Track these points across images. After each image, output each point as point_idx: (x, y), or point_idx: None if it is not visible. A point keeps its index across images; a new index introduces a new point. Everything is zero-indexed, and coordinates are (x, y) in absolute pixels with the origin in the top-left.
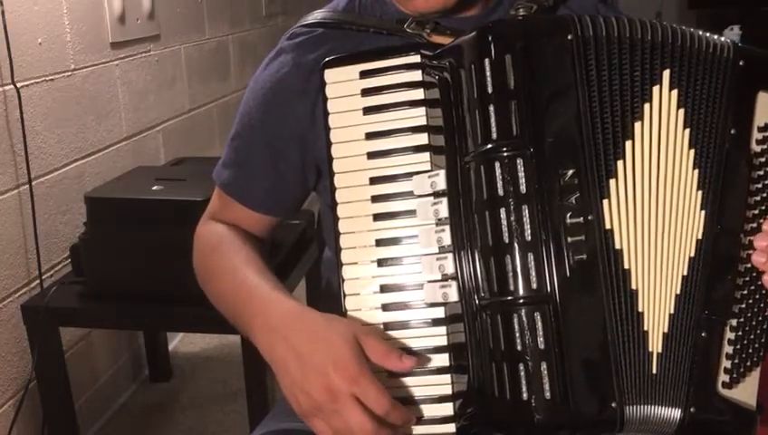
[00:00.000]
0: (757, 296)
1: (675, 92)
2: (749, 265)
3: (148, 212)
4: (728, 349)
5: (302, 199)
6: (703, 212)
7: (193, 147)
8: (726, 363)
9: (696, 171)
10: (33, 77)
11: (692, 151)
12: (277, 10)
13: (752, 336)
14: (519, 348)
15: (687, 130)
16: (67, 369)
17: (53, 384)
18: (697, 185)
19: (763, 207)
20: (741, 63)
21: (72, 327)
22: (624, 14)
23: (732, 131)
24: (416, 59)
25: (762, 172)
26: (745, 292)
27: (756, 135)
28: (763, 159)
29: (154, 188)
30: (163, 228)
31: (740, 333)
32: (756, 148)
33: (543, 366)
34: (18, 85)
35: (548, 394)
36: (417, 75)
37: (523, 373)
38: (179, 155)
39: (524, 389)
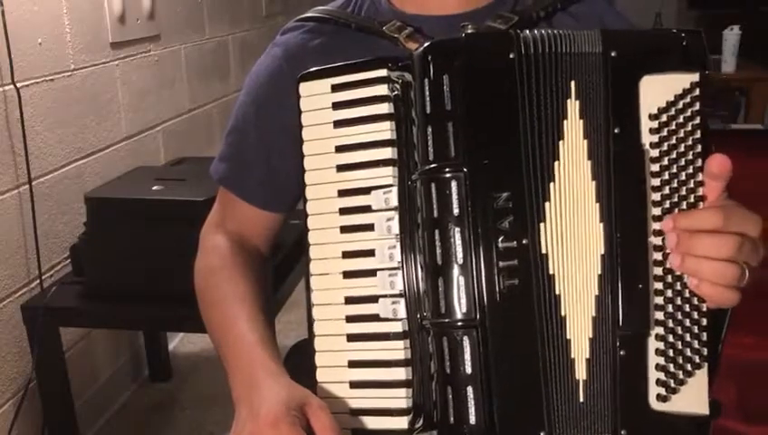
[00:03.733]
0: (685, 296)
1: (578, 103)
2: (667, 267)
3: (148, 212)
4: (658, 360)
5: (299, 194)
6: (601, 225)
7: (193, 147)
8: (659, 375)
9: (594, 183)
10: (33, 77)
11: (590, 163)
12: (277, 10)
13: (686, 339)
14: (448, 371)
15: (586, 142)
16: (67, 369)
17: (53, 384)
18: (595, 197)
19: (675, 199)
20: (613, 54)
21: (72, 327)
22: (631, 22)
23: (615, 130)
24: (382, 73)
25: (665, 162)
26: (669, 294)
27: (650, 124)
28: (663, 148)
29: (154, 188)
30: (163, 228)
31: (669, 340)
32: (652, 138)
33: (469, 391)
34: (18, 85)
35: (473, 419)
36: (383, 89)
37: (450, 397)
38: (179, 155)
39: (451, 412)
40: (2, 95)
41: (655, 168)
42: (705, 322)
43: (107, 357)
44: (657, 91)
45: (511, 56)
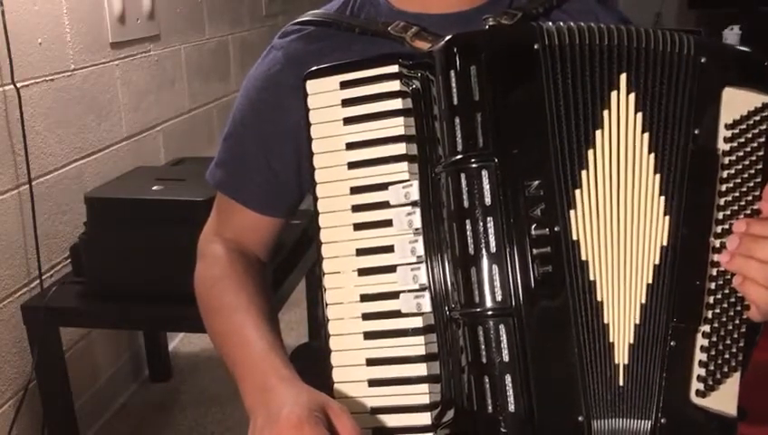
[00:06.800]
0: (731, 300)
1: (632, 96)
2: (722, 269)
3: (148, 212)
4: (701, 356)
5: (298, 199)
6: (667, 218)
7: (193, 147)
8: (700, 371)
9: (658, 176)
10: (33, 77)
11: (652, 156)
12: (277, 10)
13: (727, 341)
14: (484, 360)
15: (646, 135)
16: (67, 369)
17: (53, 384)
18: (660, 190)
19: (735, 207)
20: (702, 60)
21: (72, 327)
22: (623, 16)
23: (696, 131)
24: (393, 69)
25: (732, 171)
26: (719, 296)
27: (724, 133)
28: (732, 158)
29: (154, 188)
30: (163, 228)
31: (714, 339)
32: (725, 146)
33: (508, 379)
34: (18, 85)
35: (512, 407)
36: (395, 85)
37: (488, 386)
38: (179, 155)
39: (489, 402)
40: (2, 95)
41: (723, 174)
42: (744, 329)
43: (107, 357)
44: (734, 103)
45: (535, 47)
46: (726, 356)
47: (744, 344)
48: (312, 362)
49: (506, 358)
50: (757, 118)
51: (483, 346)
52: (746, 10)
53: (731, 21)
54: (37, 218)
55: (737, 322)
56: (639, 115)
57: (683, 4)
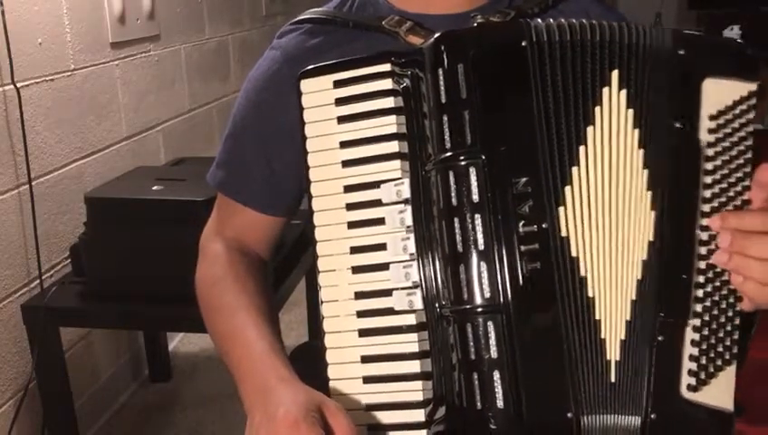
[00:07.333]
0: (723, 292)
1: (623, 93)
2: (710, 261)
3: (148, 212)
4: (692, 350)
5: (299, 198)
6: (653, 213)
7: (193, 147)
8: (691, 365)
9: (646, 172)
10: (33, 77)
11: (641, 152)
12: (277, 10)
13: (719, 335)
14: (473, 357)
15: (637, 131)
16: (67, 369)
17: (53, 384)
18: (647, 185)
19: (723, 199)
20: (681, 53)
21: (72, 327)
22: (622, 16)
23: (677, 124)
24: (386, 67)
25: (718, 162)
26: (708, 289)
27: (708, 124)
28: (718, 149)
29: (154, 188)
30: (163, 228)
31: (704, 332)
32: (709, 137)
33: (496, 376)
34: (18, 85)
35: (501, 404)
36: (387, 84)
37: (477, 383)
38: (179, 155)
39: (478, 398)
40: (2, 95)
41: (708, 166)
42: (737, 321)
43: (107, 357)
44: (717, 94)
45: (523, 44)
46: (719, 349)
47: (738, 337)
48: (312, 362)
49: (495, 355)
50: (744, 107)
51: (471, 343)
52: (746, 10)
53: (731, 21)
54: (37, 218)
55: (730, 314)
56: (631, 111)
57: (683, 4)
